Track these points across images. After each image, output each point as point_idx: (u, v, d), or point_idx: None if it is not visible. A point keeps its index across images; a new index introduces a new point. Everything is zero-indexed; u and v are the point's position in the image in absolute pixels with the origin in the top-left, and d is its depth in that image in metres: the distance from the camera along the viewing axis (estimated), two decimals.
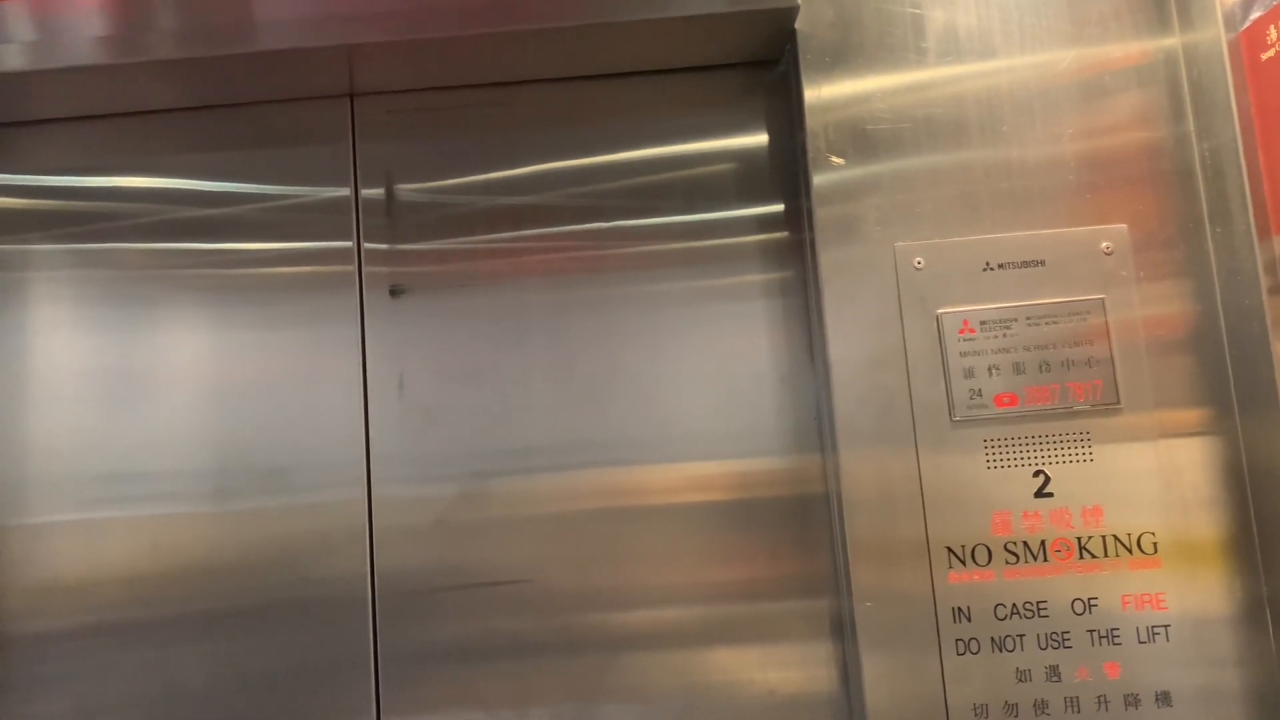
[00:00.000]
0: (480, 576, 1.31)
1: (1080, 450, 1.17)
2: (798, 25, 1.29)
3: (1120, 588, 1.15)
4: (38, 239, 1.40)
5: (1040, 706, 1.14)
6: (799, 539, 1.29)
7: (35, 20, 1.27)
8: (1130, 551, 1.16)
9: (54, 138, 1.41)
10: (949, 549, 1.17)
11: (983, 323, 1.21)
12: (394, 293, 1.37)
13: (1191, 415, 1.18)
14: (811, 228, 1.27)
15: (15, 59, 1.27)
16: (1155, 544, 1.16)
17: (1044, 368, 1.19)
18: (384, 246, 1.38)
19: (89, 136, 1.41)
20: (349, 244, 1.38)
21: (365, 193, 1.39)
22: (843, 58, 1.30)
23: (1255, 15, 1.13)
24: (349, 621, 1.31)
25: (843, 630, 1.26)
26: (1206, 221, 1.22)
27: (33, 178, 1.41)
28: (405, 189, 1.39)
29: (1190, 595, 1.15)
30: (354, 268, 1.38)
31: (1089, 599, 1.15)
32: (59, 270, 1.39)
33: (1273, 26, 1.10)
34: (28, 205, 1.41)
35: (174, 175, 1.41)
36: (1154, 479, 1.17)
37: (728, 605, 1.29)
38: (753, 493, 1.31)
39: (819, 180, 1.27)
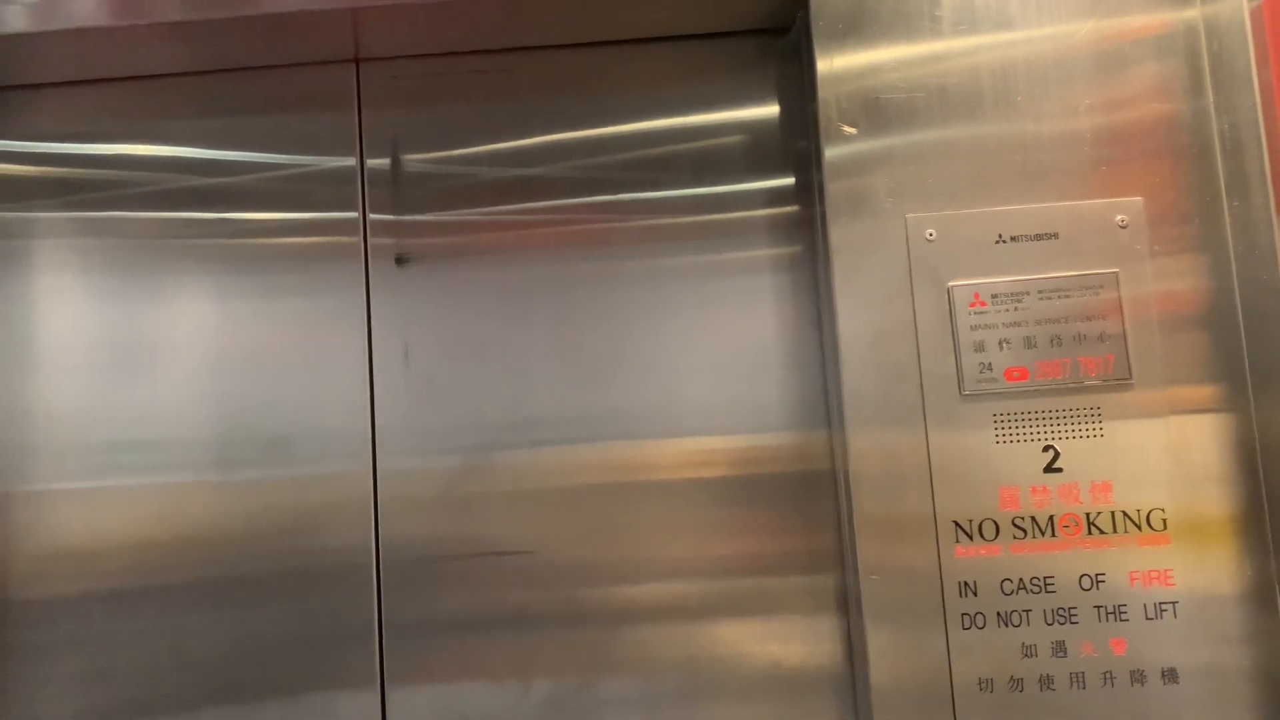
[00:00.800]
0: (484, 547, 1.31)
1: (1090, 426, 1.16)
2: None
3: (1128, 564, 1.14)
4: (40, 206, 1.39)
5: (1045, 682, 1.14)
6: (805, 514, 1.29)
7: None
8: (1139, 528, 1.15)
9: (55, 102, 1.40)
10: (956, 524, 1.16)
11: (994, 296, 1.19)
12: (400, 261, 1.35)
13: (1204, 392, 1.17)
14: (822, 200, 1.25)
15: (17, 20, 1.25)
16: (1164, 520, 1.15)
17: (1055, 342, 1.18)
18: (389, 217, 1.37)
19: (89, 101, 1.40)
20: (354, 214, 1.37)
21: (371, 162, 1.38)
22: (856, 26, 1.27)
23: None
24: (353, 591, 1.31)
25: (847, 605, 1.26)
26: (1224, 196, 1.20)
27: (34, 144, 1.40)
28: (411, 158, 1.38)
29: (1198, 572, 1.14)
30: (359, 238, 1.37)
31: (1096, 575, 1.14)
32: (61, 238, 1.38)
33: None
34: (29, 171, 1.40)
35: (177, 142, 1.39)
36: (1164, 455, 1.16)
37: (732, 580, 1.29)
38: (759, 468, 1.30)
39: (830, 152, 1.25)
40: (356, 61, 1.39)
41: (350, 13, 1.25)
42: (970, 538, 1.15)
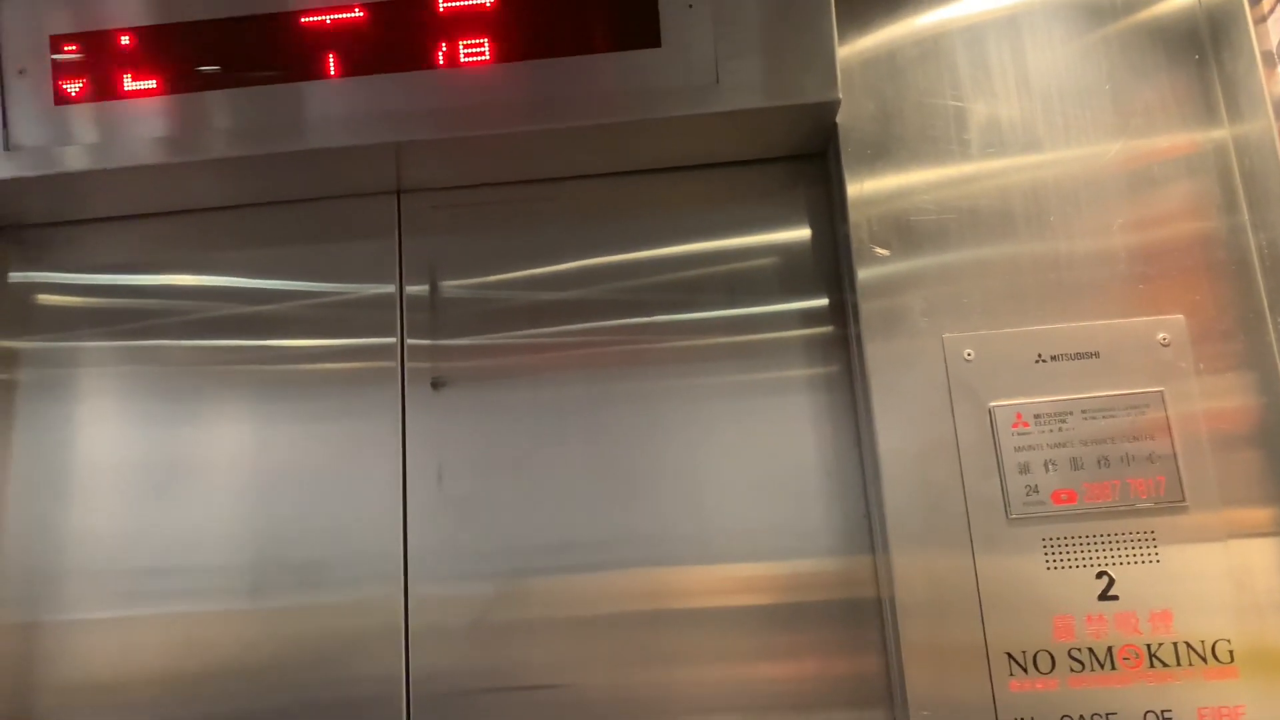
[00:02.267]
0: (516, 680, 1.27)
1: (1145, 550, 1.12)
2: (839, 119, 1.30)
3: (1196, 699, 1.08)
4: (87, 336, 1.42)
5: None
6: (849, 644, 1.24)
7: (96, 121, 1.31)
8: (1204, 660, 1.09)
9: (104, 235, 1.45)
10: (1009, 655, 1.11)
11: (1037, 416, 1.17)
12: (436, 384, 1.36)
13: (1263, 514, 1.13)
14: (857, 321, 1.25)
15: (77, 160, 1.31)
16: (1231, 652, 1.09)
17: (1103, 463, 1.14)
18: (427, 342, 1.38)
19: (140, 234, 1.45)
20: (392, 340, 1.39)
21: (409, 289, 1.40)
22: (885, 150, 1.30)
23: None
24: None
25: None
26: (1267, 311, 1.18)
27: (84, 275, 1.44)
28: (449, 284, 1.40)
29: (1273, 708, 1.07)
30: (396, 363, 1.38)
31: (1162, 711, 1.08)
32: (105, 366, 1.41)
33: None
34: (75, 302, 1.44)
35: (221, 273, 1.43)
36: (1225, 581, 1.10)
37: (774, 713, 1.23)
38: (800, 595, 1.26)
39: (863, 273, 1.26)
40: (398, 193, 1.43)
41: (394, 147, 1.30)
42: (1025, 670, 1.10)
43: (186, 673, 1.30)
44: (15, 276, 1.45)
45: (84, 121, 1.31)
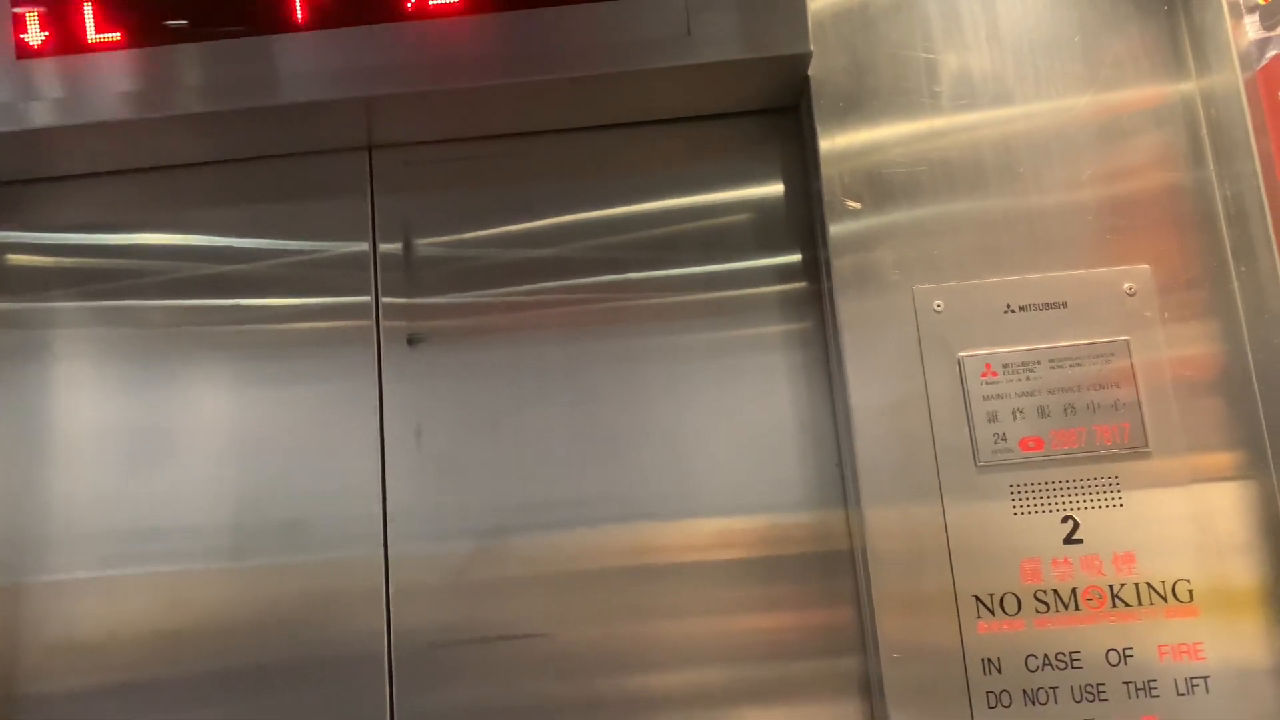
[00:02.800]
0: (498, 632, 1.29)
1: (1109, 495, 1.14)
2: (811, 72, 1.30)
3: (1156, 637, 1.11)
4: (59, 296, 1.41)
5: None
6: (823, 593, 1.26)
7: (62, 76, 1.29)
8: (1165, 600, 1.12)
9: (76, 193, 1.43)
10: (977, 598, 1.14)
11: (1005, 366, 1.19)
12: (412, 341, 1.36)
13: (1224, 459, 1.16)
14: (829, 275, 1.26)
15: (42, 116, 1.29)
16: (1191, 592, 1.12)
17: (1069, 411, 1.17)
18: (402, 300, 1.38)
19: (111, 192, 1.43)
20: (367, 298, 1.39)
21: (384, 247, 1.40)
22: (857, 104, 1.30)
23: (1272, 54, 1.12)
24: (366, 680, 1.28)
25: (870, 687, 1.22)
26: (1231, 261, 1.20)
27: (55, 235, 1.43)
28: (423, 242, 1.40)
29: (1230, 645, 1.11)
30: (372, 321, 1.38)
31: (1124, 649, 1.11)
32: (78, 327, 1.40)
33: None
34: (49, 263, 1.42)
35: (194, 231, 1.42)
36: (1187, 524, 1.13)
37: (751, 664, 1.26)
38: (775, 548, 1.28)
39: (835, 228, 1.26)
40: (369, 149, 1.42)
41: (364, 102, 1.29)
42: (992, 612, 1.13)
43: (170, 632, 1.31)
44: None
45: (48, 76, 1.29)
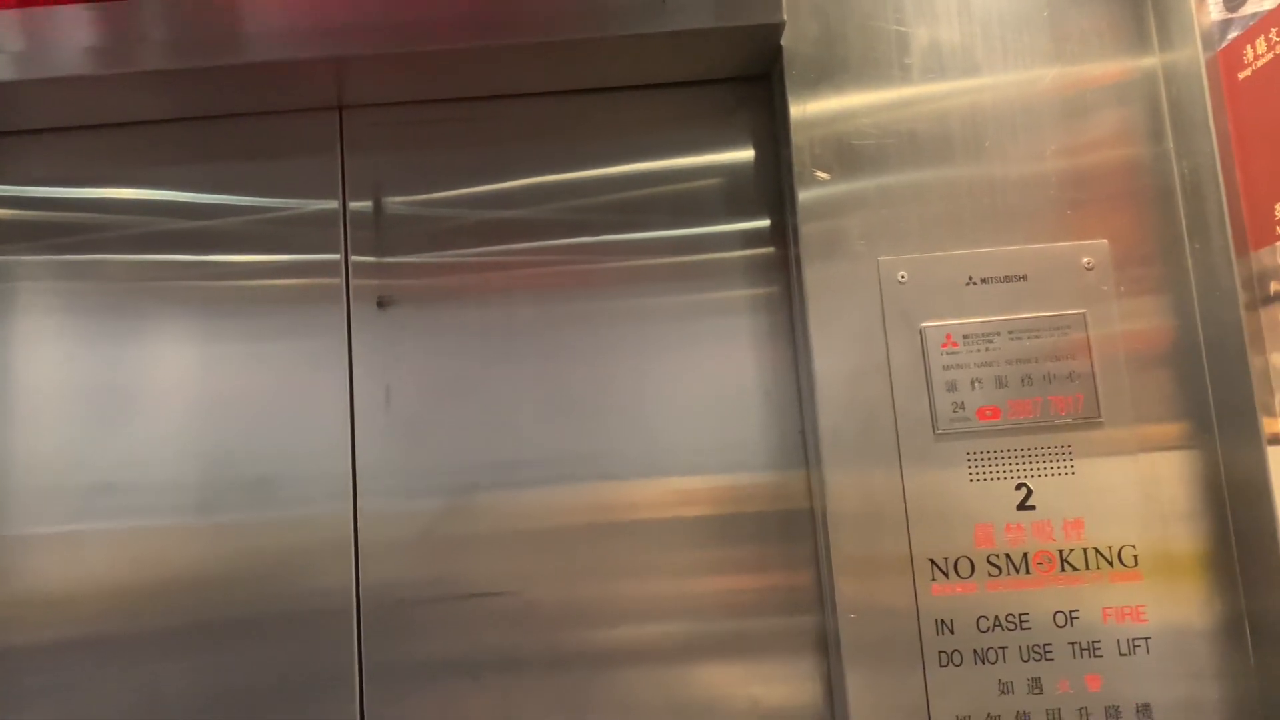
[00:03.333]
0: (466, 589, 1.31)
1: (1062, 464, 1.18)
2: (783, 41, 1.31)
3: (1101, 600, 1.16)
4: (23, 250, 1.40)
5: (1022, 718, 1.15)
6: (784, 554, 1.30)
7: (24, 30, 1.27)
8: (1111, 564, 1.16)
9: (41, 148, 1.41)
10: (932, 561, 1.18)
11: (965, 336, 1.22)
12: (381, 304, 1.37)
13: (1171, 429, 1.20)
14: (796, 243, 1.28)
15: (4, 69, 1.27)
16: (1135, 557, 1.17)
17: (1026, 381, 1.20)
18: (372, 259, 1.38)
19: (77, 147, 1.41)
20: (336, 256, 1.38)
21: (353, 205, 1.39)
22: (828, 73, 1.31)
23: (1233, 35, 1.15)
24: (333, 635, 1.30)
25: (827, 645, 1.26)
26: (1186, 237, 1.23)
27: (18, 188, 1.41)
28: (393, 201, 1.40)
29: (1170, 608, 1.16)
30: (341, 280, 1.38)
31: (1070, 611, 1.16)
32: (43, 281, 1.39)
33: (1249, 46, 1.12)
34: (13, 216, 1.41)
35: (161, 187, 1.41)
36: (1134, 492, 1.18)
37: (713, 620, 1.29)
38: (738, 507, 1.31)
39: (804, 196, 1.28)
40: (340, 109, 1.41)
41: (334, 62, 1.28)
42: (946, 575, 1.17)
43: (135, 587, 1.32)
44: None
45: (8, 29, 1.27)
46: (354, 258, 1.39)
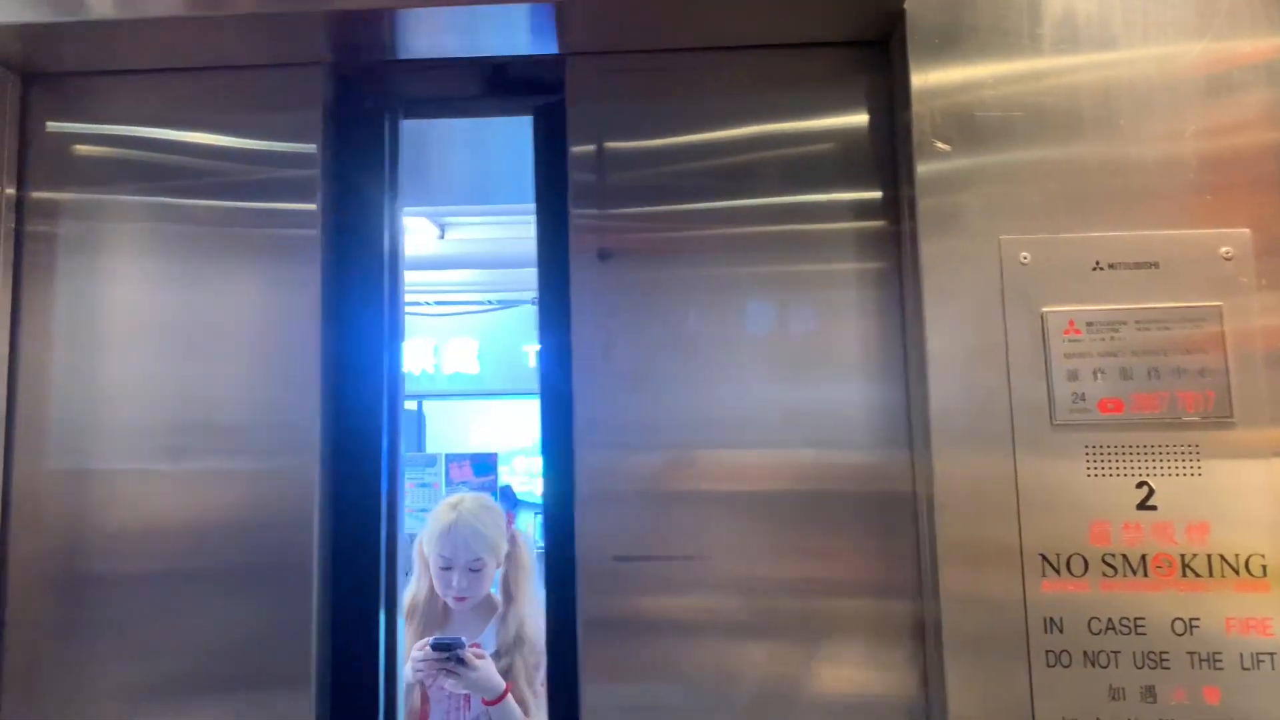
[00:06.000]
0: (679, 550, 1.27)
1: (1187, 464, 1.12)
2: (907, 5, 1.24)
3: (1224, 610, 1.10)
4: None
5: None
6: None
7: None
8: (1237, 573, 1.10)
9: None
10: (1043, 556, 1.12)
11: (1089, 324, 1.15)
12: (603, 256, 1.32)
13: None
14: (913, 217, 1.22)
15: (102, 6, 1.25)
16: (1264, 567, 1.10)
17: (1153, 375, 1.14)
18: (594, 211, 1.34)
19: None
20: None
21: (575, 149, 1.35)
22: (952, 41, 1.24)
23: None
24: None
25: (924, 633, 1.22)
26: None
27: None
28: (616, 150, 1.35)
29: None
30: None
31: (1190, 619, 1.10)
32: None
33: None
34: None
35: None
36: (1265, 499, 1.11)
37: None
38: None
39: (923, 168, 1.22)
40: (566, 56, 1.37)
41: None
42: (1057, 571, 1.12)
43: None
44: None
45: None
46: (575, 210, 1.34)
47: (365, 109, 1.44)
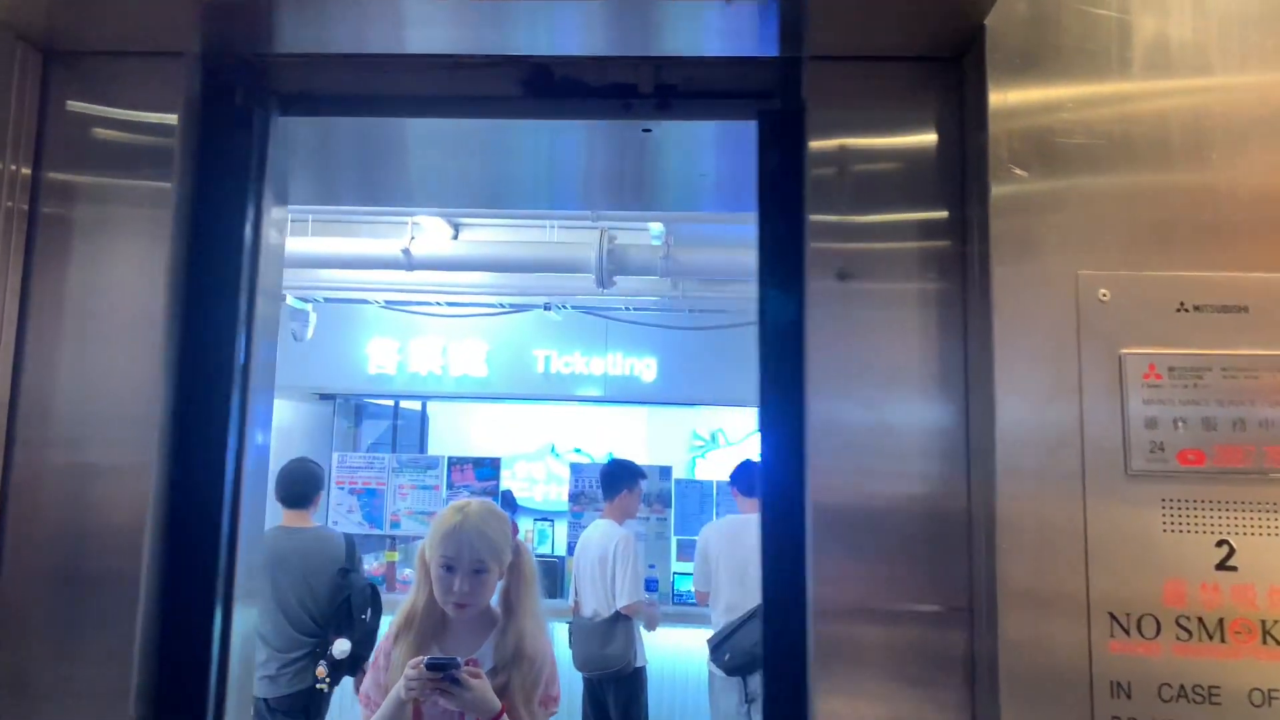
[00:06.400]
0: None
1: (1272, 522, 1.04)
2: (988, 20, 1.18)
3: None
4: None
5: None
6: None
7: None
8: None
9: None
10: (1111, 614, 1.05)
11: (1171, 369, 1.08)
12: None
13: None
14: (985, 240, 1.15)
15: None
16: None
17: (1238, 426, 1.06)
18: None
19: None
20: None
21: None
22: (1035, 60, 1.18)
23: None
24: None
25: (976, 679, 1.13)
26: None
27: None
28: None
29: None
30: None
31: (1269, 690, 1.02)
32: None
33: None
34: None
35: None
36: None
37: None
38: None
39: (998, 191, 1.15)
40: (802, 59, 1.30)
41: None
42: (1127, 632, 1.04)
43: None
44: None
45: None
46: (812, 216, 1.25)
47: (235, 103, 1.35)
